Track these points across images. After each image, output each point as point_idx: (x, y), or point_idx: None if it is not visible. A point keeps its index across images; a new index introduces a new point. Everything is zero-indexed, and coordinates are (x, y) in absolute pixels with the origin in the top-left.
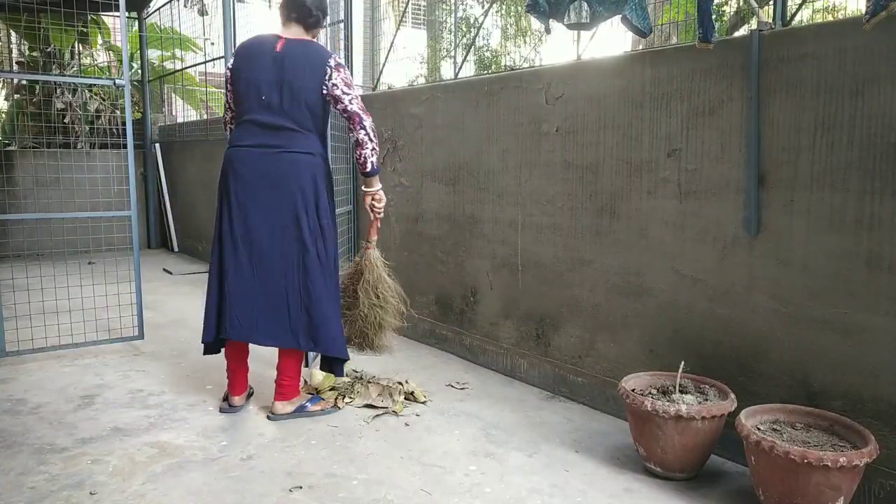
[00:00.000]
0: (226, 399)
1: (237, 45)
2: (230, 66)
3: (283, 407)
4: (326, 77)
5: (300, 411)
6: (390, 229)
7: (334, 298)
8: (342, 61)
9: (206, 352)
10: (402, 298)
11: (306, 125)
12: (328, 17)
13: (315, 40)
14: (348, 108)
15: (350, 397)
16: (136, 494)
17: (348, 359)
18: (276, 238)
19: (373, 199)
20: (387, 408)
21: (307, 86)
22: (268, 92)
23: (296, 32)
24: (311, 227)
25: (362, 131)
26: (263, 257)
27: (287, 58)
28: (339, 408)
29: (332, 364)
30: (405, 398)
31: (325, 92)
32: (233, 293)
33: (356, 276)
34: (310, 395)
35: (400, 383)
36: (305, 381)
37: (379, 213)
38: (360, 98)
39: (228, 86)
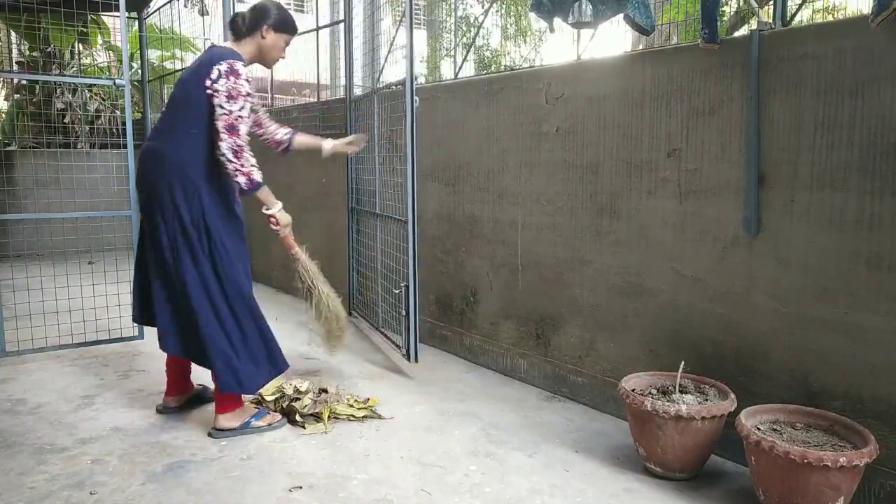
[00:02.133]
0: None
1: None
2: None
3: (226, 421)
4: (212, 77)
5: (244, 427)
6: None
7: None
8: (242, 70)
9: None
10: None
11: (193, 127)
12: (265, 21)
13: (238, 48)
14: (216, 123)
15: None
16: (136, 494)
17: (233, 392)
18: (152, 243)
19: (269, 222)
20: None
21: (193, 86)
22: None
23: (231, 43)
24: (174, 239)
25: (217, 151)
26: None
27: (199, 59)
28: (286, 422)
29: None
30: (358, 410)
31: (208, 93)
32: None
33: (307, 287)
34: (256, 410)
35: (350, 402)
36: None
37: (280, 234)
38: (236, 116)
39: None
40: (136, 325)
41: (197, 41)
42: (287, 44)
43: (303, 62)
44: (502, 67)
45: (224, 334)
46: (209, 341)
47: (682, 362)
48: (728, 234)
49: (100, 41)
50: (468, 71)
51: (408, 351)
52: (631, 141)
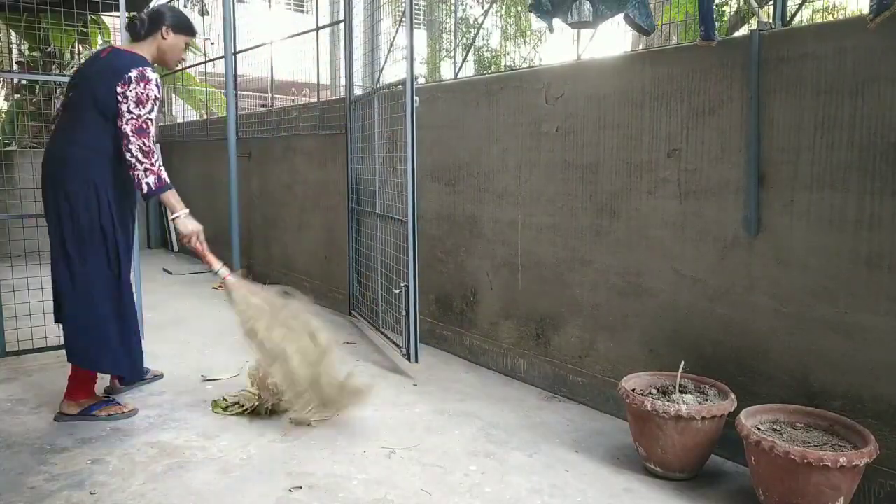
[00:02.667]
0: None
1: (237, 45)
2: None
3: (69, 408)
4: (124, 84)
5: (85, 413)
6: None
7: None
8: (152, 76)
9: None
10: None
11: (100, 130)
12: (164, 22)
13: (145, 51)
14: (122, 128)
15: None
16: (136, 494)
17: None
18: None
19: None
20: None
21: (102, 92)
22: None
23: (130, 45)
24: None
25: (128, 153)
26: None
27: (104, 62)
28: (135, 412)
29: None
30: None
31: (118, 99)
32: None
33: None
34: (104, 398)
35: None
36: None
37: (187, 244)
38: (145, 119)
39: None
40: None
41: (197, 41)
42: (187, 45)
43: (303, 62)
44: (502, 68)
45: (110, 326)
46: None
47: (682, 362)
48: (728, 234)
49: (100, 41)
50: (468, 71)
51: (408, 351)
52: (631, 141)
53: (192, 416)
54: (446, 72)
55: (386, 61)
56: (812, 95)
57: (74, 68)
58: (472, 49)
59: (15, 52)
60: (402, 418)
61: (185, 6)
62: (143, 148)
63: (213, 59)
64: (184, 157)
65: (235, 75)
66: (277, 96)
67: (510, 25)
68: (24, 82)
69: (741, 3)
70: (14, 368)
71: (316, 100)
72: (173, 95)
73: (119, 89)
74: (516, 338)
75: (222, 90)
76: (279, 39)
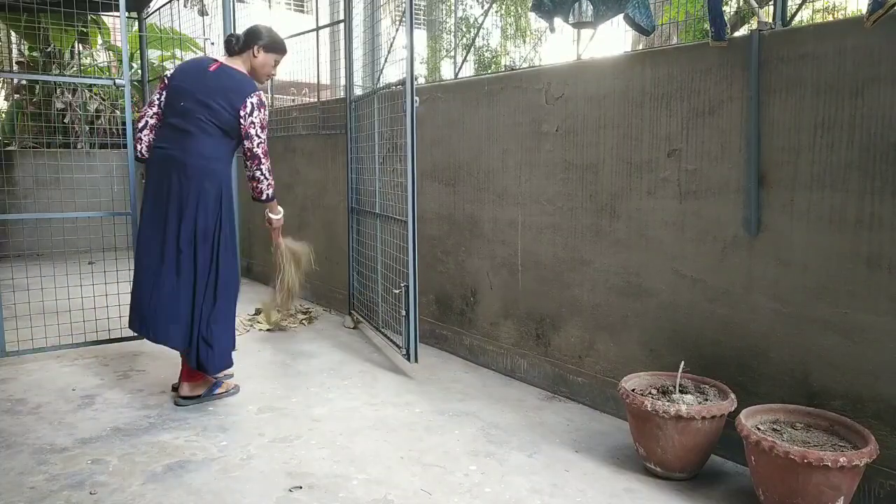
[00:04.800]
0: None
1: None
2: (166, 75)
3: (192, 390)
4: (246, 109)
5: (208, 395)
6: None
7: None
8: (265, 101)
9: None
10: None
11: (218, 138)
12: (257, 42)
13: (244, 68)
14: (253, 150)
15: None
16: (136, 494)
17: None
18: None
19: (269, 224)
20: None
21: (223, 105)
22: (188, 102)
23: (230, 60)
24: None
25: (258, 172)
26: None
27: (214, 78)
28: (239, 389)
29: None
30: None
31: (241, 123)
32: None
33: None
34: (215, 381)
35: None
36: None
37: (273, 233)
38: (266, 142)
39: (160, 91)
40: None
41: (197, 41)
42: (277, 63)
43: (303, 62)
44: (502, 68)
45: (211, 322)
46: (200, 326)
47: (682, 362)
48: (728, 234)
49: (100, 41)
50: (468, 71)
51: (408, 351)
52: (631, 141)
53: (192, 416)
54: (446, 72)
55: (386, 61)
56: (812, 95)
57: (74, 68)
58: (472, 49)
59: (15, 52)
60: (402, 418)
61: (185, 6)
62: (269, 167)
63: None
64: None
65: None
66: (277, 96)
67: (510, 25)
68: (24, 82)
69: (741, 3)
70: (14, 368)
71: (316, 100)
72: None
73: (242, 112)
74: (516, 338)
75: None
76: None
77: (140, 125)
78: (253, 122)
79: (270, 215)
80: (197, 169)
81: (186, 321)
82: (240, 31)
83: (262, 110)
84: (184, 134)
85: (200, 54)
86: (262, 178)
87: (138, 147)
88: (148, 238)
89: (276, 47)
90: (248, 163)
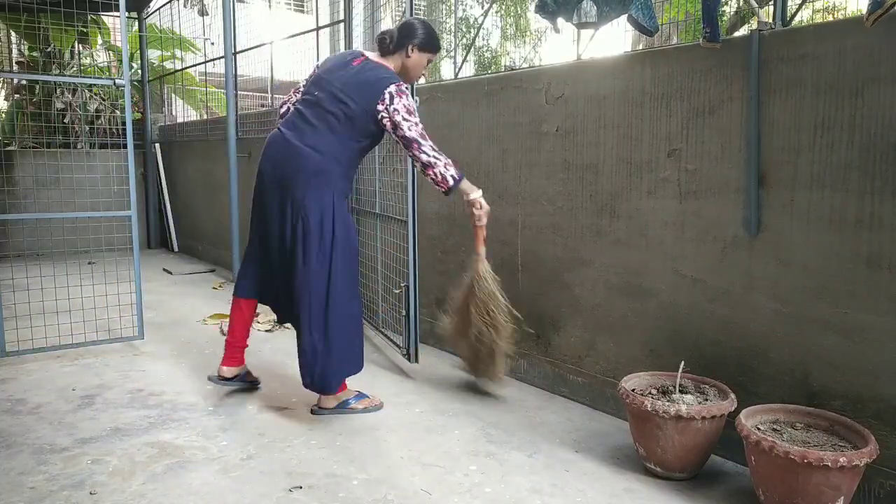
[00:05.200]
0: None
1: (237, 45)
2: (318, 64)
3: (327, 401)
4: (385, 101)
5: (342, 407)
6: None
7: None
8: (405, 87)
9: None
10: (515, 318)
11: (347, 137)
12: (412, 40)
13: (391, 65)
14: (406, 135)
15: None
16: (136, 494)
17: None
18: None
19: (471, 207)
20: None
21: (357, 101)
22: (324, 91)
23: (379, 58)
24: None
25: (423, 155)
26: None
27: (354, 71)
28: (382, 405)
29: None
30: None
31: (382, 117)
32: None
33: (468, 292)
34: (355, 392)
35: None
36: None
37: (478, 223)
38: (421, 125)
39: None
40: (137, 325)
41: (197, 41)
42: (430, 62)
43: (303, 62)
44: (502, 68)
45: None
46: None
47: (682, 362)
48: (728, 234)
49: (100, 41)
50: (468, 71)
51: (408, 351)
52: (631, 141)
53: (192, 416)
54: (446, 72)
55: None
56: (812, 95)
57: (74, 68)
58: (472, 49)
59: (15, 52)
60: (402, 418)
61: (185, 6)
62: (434, 147)
63: (213, 59)
64: (184, 157)
65: (235, 75)
66: (278, 96)
67: (510, 25)
68: (24, 82)
69: (741, 3)
70: (14, 368)
71: None
72: (173, 95)
73: (380, 107)
74: (516, 338)
75: (222, 90)
76: (279, 39)
77: (283, 111)
78: (396, 110)
79: (470, 197)
80: (310, 163)
81: None
82: (240, 32)
83: (404, 97)
84: (308, 124)
85: (200, 54)
86: (432, 160)
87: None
88: (261, 226)
89: (433, 45)
90: (409, 153)
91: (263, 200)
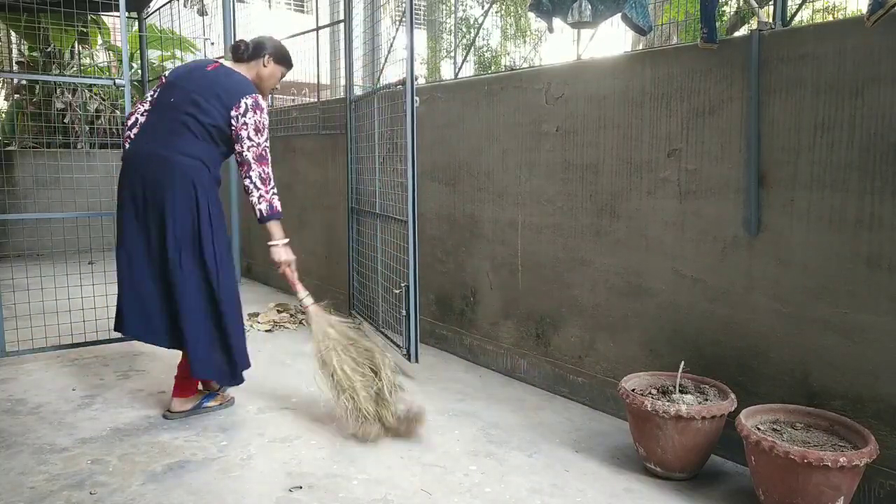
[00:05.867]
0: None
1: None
2: (165, 74)
3: (181, 405)
4: (240, 109)
5: (197, 409)
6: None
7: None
8: (263, 104)
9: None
10: (392, 368)
11: (206, 139)
12: (267, 51)
13: (247, 73)
14: (243, 154)
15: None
16: (136, 494)
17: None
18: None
19: (271, 256)
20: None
21: (214, 104)
22: (179, 99)
23: (234, 65)
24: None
25: (247, 180)
26: (150, 259)
27: (211, 76)
28: (233, 402)
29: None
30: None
31: (232, 124)
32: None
33: (320, 345)
34: (206, 393)
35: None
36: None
37: (279, 270)
38: (264, 147)
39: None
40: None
41: (197, 41)
42: (283, 76)
43: (303, 62)
44: (502, 68)
45: (211, 330)
46: (197, 332)
47: (682, 362)
48: (728, 234)
49: (100, 41)
50: (468, 71)
51: (408, 351)
52: (631, 141)
53: (192, 417)
54: (446, 72)
55: (386, 61)
56: (812, 95)
57: (74, 68)
58: (472, 49)
59: (15, 52)
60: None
61: (185, 6)
62: (262, 175)
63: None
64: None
65: None
66: (278, 96)
67: (510, 25)
68: (24, 82)
69: (741, 3)
70: (14, 368)
71: (316, 100)
72: None
73: (233, 113)
74: (516, 338)
75: None
76: (279, 39)
77: (130, 122)
78: (245, 123)
79: (269, 243)
80: (178, 166)
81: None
82: (240, 32)
83: (259, 112)
84: (167, 130)
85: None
86: (251, 188)
87: (126, 145)
88: (132, 238)
89: (286, 60)
90: (239, 171)
91: (141, 216)
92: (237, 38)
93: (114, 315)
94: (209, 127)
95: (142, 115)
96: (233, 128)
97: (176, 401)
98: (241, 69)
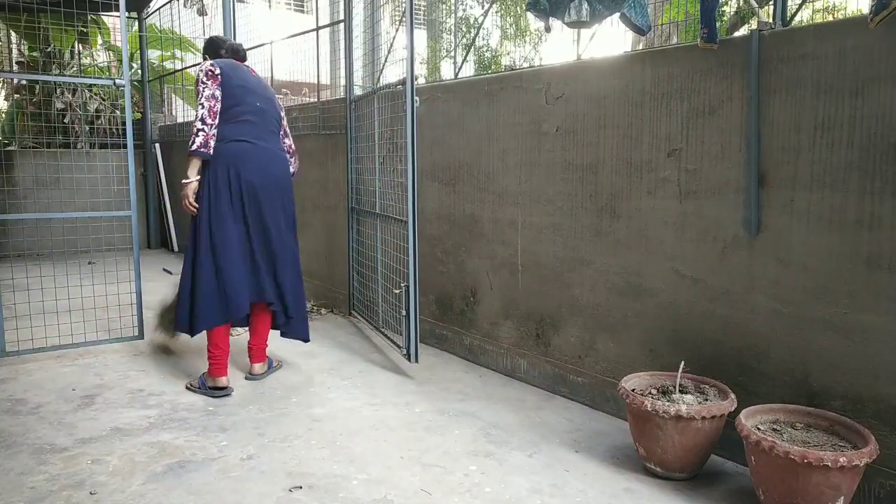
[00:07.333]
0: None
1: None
2: (219, 73)
3: (261, 368)
4: (281, 104)
5: (270, 370)
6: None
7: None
8: (205, 70)
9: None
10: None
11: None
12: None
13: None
14: (292, 145)
15: None
16: (136, 494)
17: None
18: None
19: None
20: None
21: (277, 105)
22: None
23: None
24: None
25: (289, 149)
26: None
27: (261, 81)
28: (281, 365)
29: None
30: None
31: (281, 115)
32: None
33: None
34: (269, 358)
35: None
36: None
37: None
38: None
39: (219, 87)
40: (137, 325)
41: (197, 41)
42: None
43: (303, 62)
44: (502, 68)
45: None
46: (300, 297)
47: (682, 362)
48: (728, 234)
49: (100, 41)
50: (468, 71)
51: (408, 351)
52: (631, 141)
53: (192, 416)
54: (446, 72)
55: (386, 61)
56: (812, 95)
57: (74, 68)
58: (472, 49)
59: (15, 52)
60: (401, 418)
61: (185, 6)
62: (204, 119)
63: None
64: (184, 157)
65: None
66: (278, 96)
67: (510, 25)
68: (24, 82)
69: (741, 3)
70: (14, 368)
71: (316, 100)
72: (173, 95)
73: (281, 107)
74: (516, 338)
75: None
76: (279, 39)
77: (211, 122)
78: (283, 116)
79: (182, 180)
80: (287, 164)
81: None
82: (240, 32)
83: (201, 75)
84: (264, 130)
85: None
86: (194, 128)
87: (211, 144)
88: (230, 229)
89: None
90: (290, 156)
91: (254, 203)
92: (236, 39)
93: (115, 315)
94: (280, 122)
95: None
96: (283, 122)
97: (257, 365)
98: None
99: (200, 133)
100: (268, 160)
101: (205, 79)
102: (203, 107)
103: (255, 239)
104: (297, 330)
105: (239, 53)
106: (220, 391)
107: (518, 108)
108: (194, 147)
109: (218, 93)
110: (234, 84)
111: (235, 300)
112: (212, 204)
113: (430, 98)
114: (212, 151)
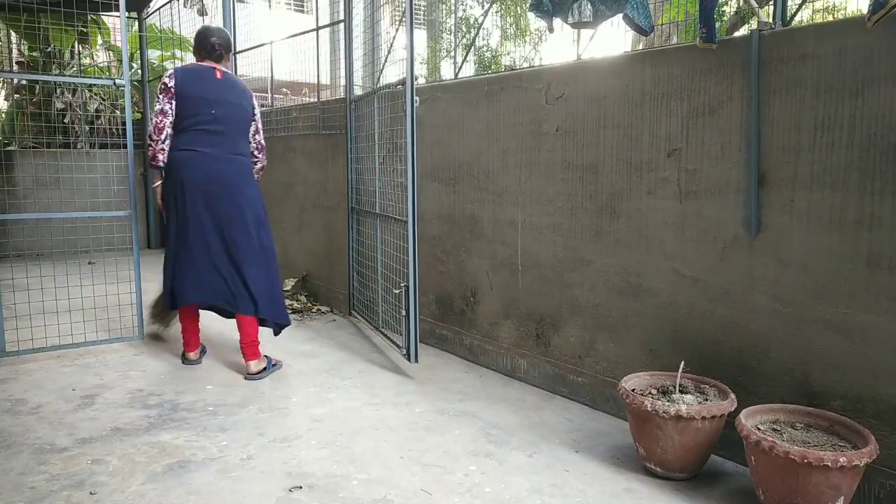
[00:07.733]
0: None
1: (237, 45)
2: (172, 86)
3: (257, 365)
4: (255, 106)
5: (268, 368)
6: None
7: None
8: (163, 79)
9: None
10: None
11: (246, 139)
12: (231, 50)
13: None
14: (256, 136)
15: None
16: (136, 494)
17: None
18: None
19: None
20: None
21: (247, 109)
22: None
23: (219, 65)
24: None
25: (263, 154)
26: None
27: (228, 83)
28: (281, 365)
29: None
30: None
31: (254, 118)
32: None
33: None
34: (267, 357)
35: None
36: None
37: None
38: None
39: (171, 101)
40: (138, 325)
41: None
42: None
43: (303, 62)
44: (502, 68)
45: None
46: (272, 286)
47: (682, 362)
48: (728, 234)
49: (100, 41)
50: (468, 71)
51: (408, 351)
52: (631, 141)
53: (192, 416)
54: (446, 72)
55: (386, 61)
56: (812, 95)
57: (74, 68)
58: (472, 49)
59: (15, 52)
60: (401, 418)
61: (185, 6)
62: (154, 133)
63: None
64: None
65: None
66: (278, 96)
67: (510, 25)
68: (24, 82)
69: (741, 3)
70: (14, 368)
71: (316, 100)
72: None
73: (254, 103)
74: (516, 338)
75: None
76: (279, 39)
77: (163, 136)
78: (257, 118)
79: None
80: (244, 166)
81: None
82: (240, 32)
83: (161, 84)
84: (219, 137)
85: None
86: (262, 158)
87: (160, 157)
88: (184, 229)
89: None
90: (256, 153)
91: (214, 206)
92: (236, 39)
93: (115, 315)
94: (248, 126)
95: (169, 127)
96: (254, 120)
97: (252, 363)
98: (224, 67)
99: (149, 147)
100: (213, 164)
101: (158, 93)
102: (151, 122)
103: (212, 236)
104: (273, 315)
105: (216, 51)
106: (186, 361)
107: (518, 108)
108: (148, 159)
109: (168, 107)
110: (190, 95)
111: (180, 290)
112: (171, 206)
113: (430, 98)
114: (161, 163)
